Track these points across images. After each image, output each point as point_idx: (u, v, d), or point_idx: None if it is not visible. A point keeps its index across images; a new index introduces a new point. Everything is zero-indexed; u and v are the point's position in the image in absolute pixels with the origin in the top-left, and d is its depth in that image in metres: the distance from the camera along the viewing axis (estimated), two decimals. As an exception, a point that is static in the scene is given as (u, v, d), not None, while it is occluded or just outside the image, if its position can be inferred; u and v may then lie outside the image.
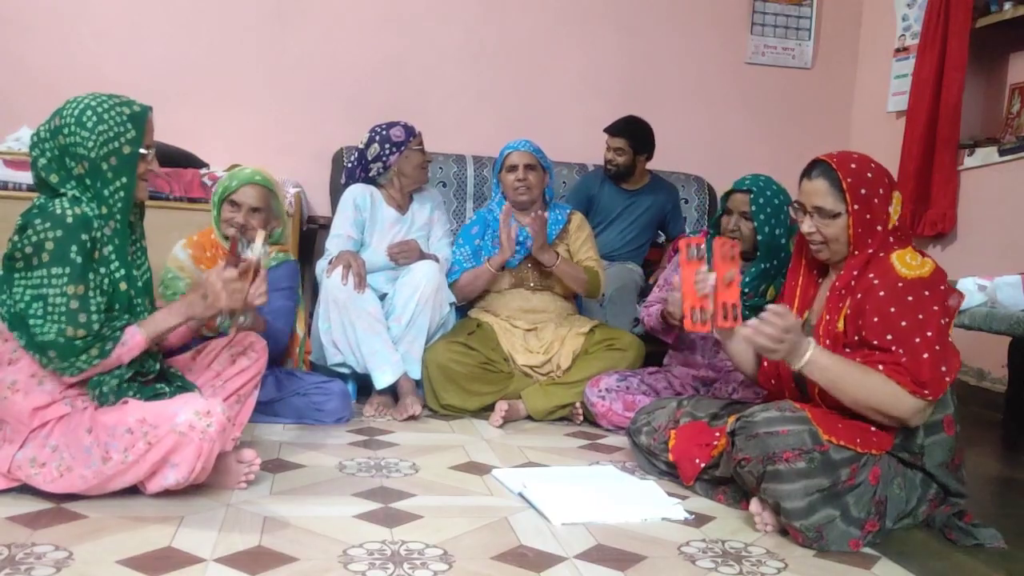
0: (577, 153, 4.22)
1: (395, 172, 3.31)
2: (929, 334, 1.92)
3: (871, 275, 2.01)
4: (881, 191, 2.04)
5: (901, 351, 1.92)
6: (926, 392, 1.90)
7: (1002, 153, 3.88)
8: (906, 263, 1.99)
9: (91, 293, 1.94)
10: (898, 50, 4.50)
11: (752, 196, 2.68)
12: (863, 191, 2.03)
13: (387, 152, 3.27)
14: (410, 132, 3.31)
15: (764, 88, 4.75)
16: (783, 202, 2.70)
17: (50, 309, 1.90)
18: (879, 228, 2.04)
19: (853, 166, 2.06)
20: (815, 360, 1.96)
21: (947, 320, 1.97)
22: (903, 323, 1.93)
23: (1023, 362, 3.46)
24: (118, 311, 2.02)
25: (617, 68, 4.57)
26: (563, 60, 4.52)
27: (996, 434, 3.40)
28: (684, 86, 4.65)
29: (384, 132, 3.29)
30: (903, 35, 4.47)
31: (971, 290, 2.89)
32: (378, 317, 3.10)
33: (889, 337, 1.94)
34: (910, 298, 1.94)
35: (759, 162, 4.01)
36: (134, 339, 1.99)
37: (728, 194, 2.77)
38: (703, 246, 2.22)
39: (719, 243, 2.22)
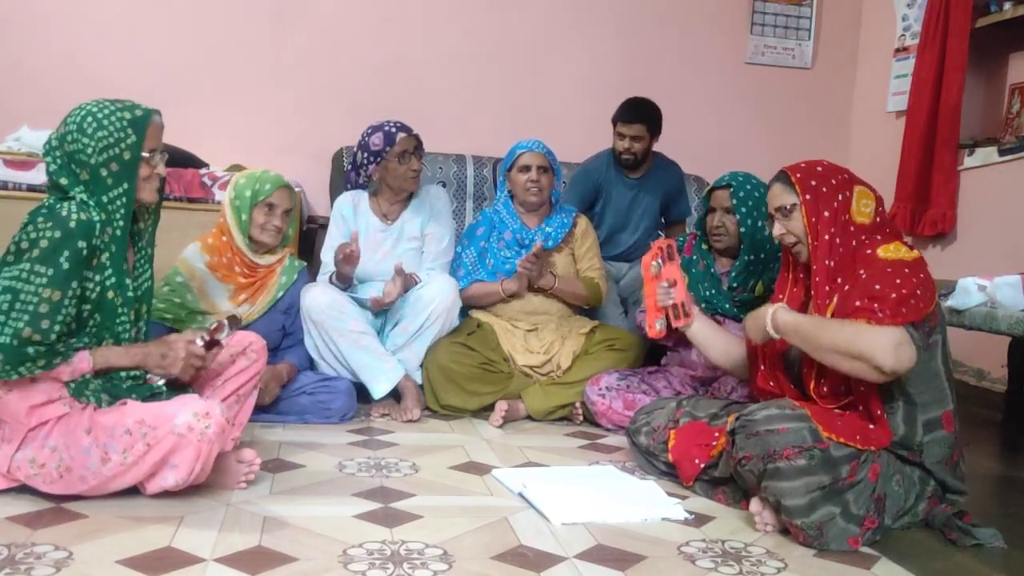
0: (577, 153, 4.21)
1: (379, 180, 3.20)
2: (904, 291, 1.93)
3: (860, 270, 2.03)
4: (833, 181, 2.11)
5: (874, 303, 1.94)
6: (898, 319, 1.90)
7: (1002, 153, 3.88)
8: (889, 250, 2.03)
9: (65, 302, 1.90)
10: (898, 50, 4.50)
11: (732, 190, 2.77)
12: (813, 182, 2.11)
13: (366, 161, 3.16)
14: (390, 140, 3.10)
15: (764, 88, 4.75)
16: (763, 195, 2.74)
17: (18, 305, 1.86)
18: (827, 214, 2.07)
19: (803, 165, 2.17)
20: (781, 318, 2.08)
21: (926, 295, 1.95)
22: (877, 286, 1.96)
23: (1023, 362, 3.46)
24: (98, 322, 2.00)
25: (617, 68, 4.56)
26: (563, 60, 4.52)
27: (996, 434, 3.41)
28: (684, 86, 4.64)
29: (366, 139, 3.15)
30: (903, 35, 4.47)
31: (971, 290, 2.89)
32: (363, 330, 3.01)
33: (865, 300, 1.96)
34: (889, 270, 1.98)
35: (759, 162, 3.99)
36: (80, 363, 1.97)
37: (709, 192, 2.86)
38: (660, 260, 2.51)
39: (656, 245, 2.50)
